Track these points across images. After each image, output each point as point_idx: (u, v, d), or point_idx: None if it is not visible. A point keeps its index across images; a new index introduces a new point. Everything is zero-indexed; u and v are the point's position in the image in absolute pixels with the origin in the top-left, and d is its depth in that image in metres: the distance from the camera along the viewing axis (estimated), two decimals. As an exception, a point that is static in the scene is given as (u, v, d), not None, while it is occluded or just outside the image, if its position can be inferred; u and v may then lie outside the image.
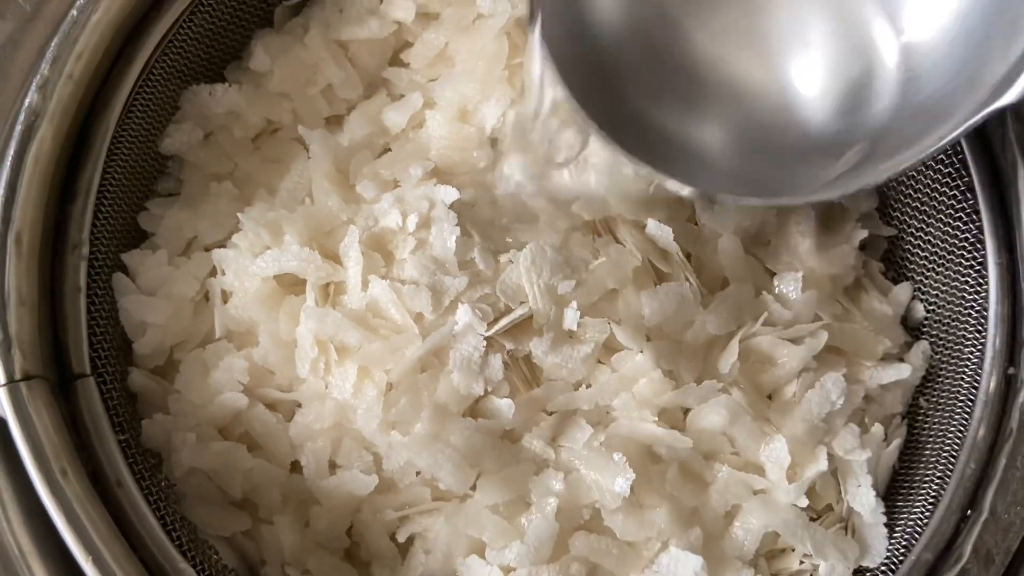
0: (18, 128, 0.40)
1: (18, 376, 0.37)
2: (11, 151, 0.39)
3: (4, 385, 0.37)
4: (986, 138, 0.44)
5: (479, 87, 0.45)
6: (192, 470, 0.42)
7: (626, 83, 0.38)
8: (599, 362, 0.43)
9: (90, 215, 0.42)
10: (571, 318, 0.42)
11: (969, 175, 0.44)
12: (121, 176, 0.45)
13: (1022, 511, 0.39)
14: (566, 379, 0.43)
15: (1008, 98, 0.32)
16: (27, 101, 0.40)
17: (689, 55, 0.39)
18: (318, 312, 0.41)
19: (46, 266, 0.41)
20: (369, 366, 0.41)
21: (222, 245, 0.45)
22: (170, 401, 0.43)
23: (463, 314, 0.41)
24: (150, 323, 0.44)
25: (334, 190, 0.44)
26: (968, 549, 0.39)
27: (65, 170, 0.42)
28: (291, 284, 0.43)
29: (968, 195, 0.45)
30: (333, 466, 0.43)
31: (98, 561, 0.36)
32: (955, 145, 0.45)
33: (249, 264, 0.43)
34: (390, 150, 0.47)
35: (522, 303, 0.42)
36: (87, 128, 0.43)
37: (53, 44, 0.41)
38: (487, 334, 0.41)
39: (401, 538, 0.43)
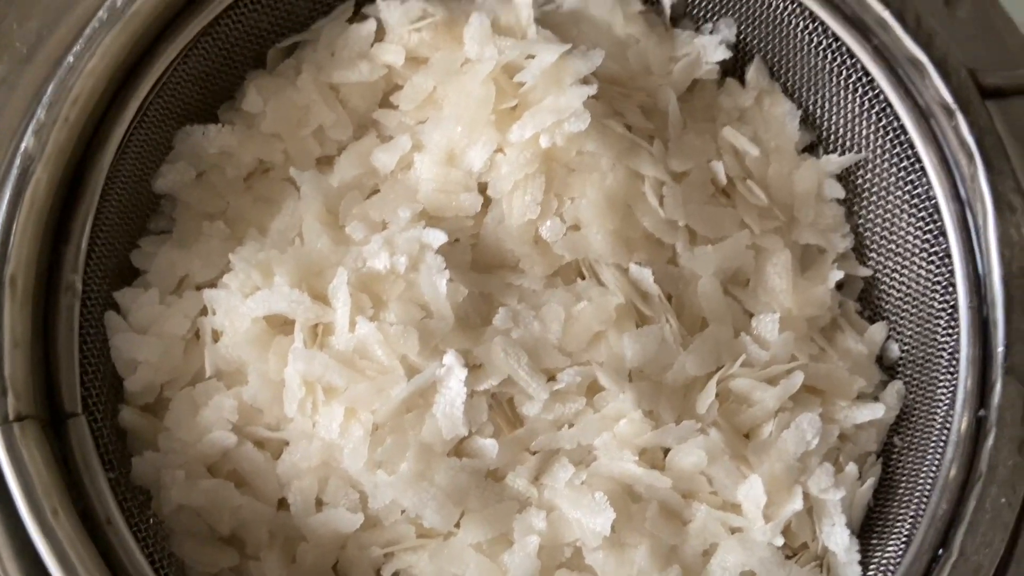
0: (14, 172, 0.40)
1: (11, 417, 0.38)
2: (6, 195, 0.40)
3: (-3, 426, 0.38)
4: (957, 184, 0.45)
5: (466, 131, 0.46)
6: (181, 507, 0.43)
7: None
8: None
9: (83, 255, 0.43)
10: (564, 380, 0.43)
11: (941, 219, 0.46)
12: (115, 215, 0.45)
13: (990, 553, 0.40)
14: (550, 421, 0.44)
15: None
16: (23, 145, 0.41)
17: None
18: (306, 353, 0.42)
19: (39, 306, 0.41)
20: (355, 407, 0.42)
21: (213, 284, 0.46)
22: (160, 439, 0.44)
23: (449, 358, 0.42)
24: (141, 361, 0.44)
25: (324, 231, 0.45)
26: (939, 589, 0.40)
27: (59, 211, 0.43)
28: (280, 324, 0.44)
29: (940, 239, 0.46)
30: (319, 503, 0.44)
31: (88, 600, 0.37)
32: (927, 189, 0.46)
33: (239, 305, 0.44)
34: (379, 191, 0.48)
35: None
36: (82, 169, 0.43)
37: (49, 89, 0.42)
38: (476, 389, 0.42)
39: (386, 575, 0.43)
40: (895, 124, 0.47)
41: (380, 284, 0.43)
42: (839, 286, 0.50)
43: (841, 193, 0.51)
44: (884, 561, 0.43)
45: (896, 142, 0.48)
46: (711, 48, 0.51)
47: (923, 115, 0.46)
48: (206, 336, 0.45)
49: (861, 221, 0.51)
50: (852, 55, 0.48)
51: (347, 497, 0.43)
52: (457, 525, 0.43)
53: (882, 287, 0.51)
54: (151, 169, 0.48)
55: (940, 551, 0.41)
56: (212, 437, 0.43)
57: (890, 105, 0.47)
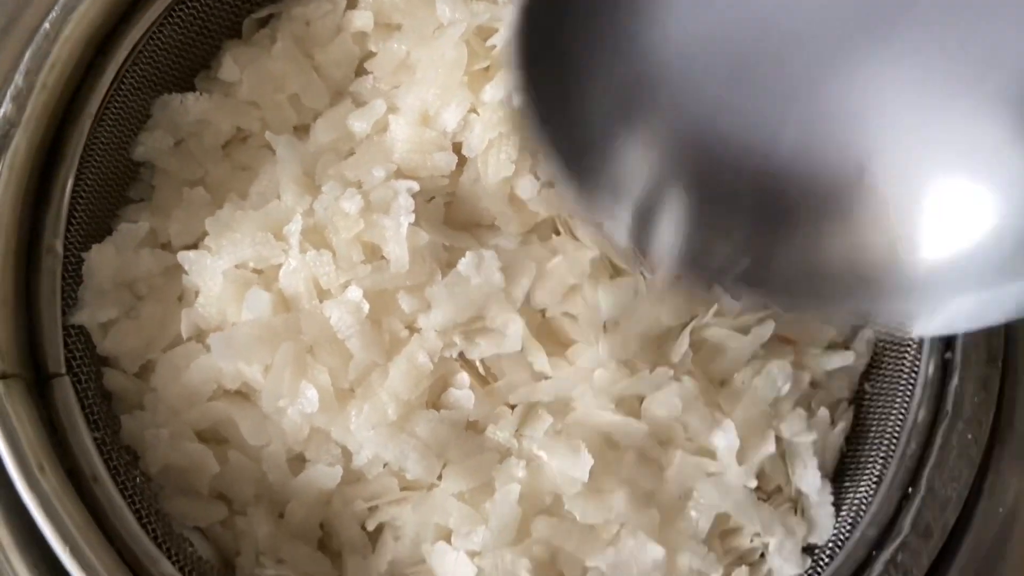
0: (-7, 138, 0.41)
1: (-4, 376, 0.39)
2: (-14, 160, 0.41)
3: (-18, 383, 0.39)
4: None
5: (440, 93, 0.47)
6: (167, 466, 0.44)
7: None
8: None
9: (64, 221, 0.44)
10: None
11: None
12: (94, 183, 0.46)
13: (958, 487, 0.42)
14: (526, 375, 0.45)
15: None
16: (1, 111, 0.41)
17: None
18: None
19: (21, 269, 0.42)
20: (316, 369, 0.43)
21: (194, 247, 0.47)
22: (146, 399, 0.44)
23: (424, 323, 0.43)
24: (120, 323, 0.45)
25: (300, 193, 0.46)
26: (908, 525, 0.41)
27: (39, 177, 0.43)
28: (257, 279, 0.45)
29: (906, 190, 0.47)
30: (302, 458, 0.44)
31: (75, 551, 0.38)
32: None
33: (211, 263, 0.44)
34: (355, 153, 0.48)
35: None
36: (60, 137, 0.44)
37: (26, 56, 0.42)
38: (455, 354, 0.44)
39: (370, 527, 0.44)
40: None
41: (339, 227, 0.44)
42: (810, 241, 0.51)
43: (810, 150, 0.52)
44: (856, 501, 0.45)
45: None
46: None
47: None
48: (188, 297, 0.46)
49: (830, 177, 0.52)
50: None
51: (329, 453, 0.44)
52: (439, 477, 0.44)
53: (852, 241, 0.52)
54: (129, 137, 0.48)
55: (909, 489, 0.43)
56: (196, 398, 0.44)
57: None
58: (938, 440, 0.42)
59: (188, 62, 0.50)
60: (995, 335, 0.43)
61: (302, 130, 0.51)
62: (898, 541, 0.41)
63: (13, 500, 0.39)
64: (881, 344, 0.49)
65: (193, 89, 0.50)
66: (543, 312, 0.45)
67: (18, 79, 0.42)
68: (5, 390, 0.39)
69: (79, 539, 0.38)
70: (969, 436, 0.42)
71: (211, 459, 0.44)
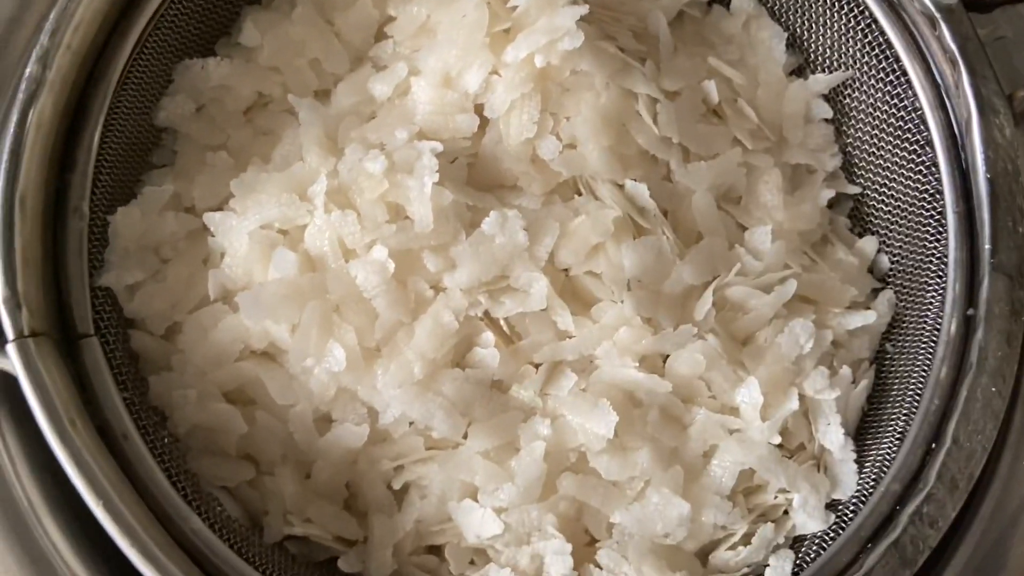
0: (20, 96, 0.41)
1: (26, 332, 0.39)
2: (14, 118, 0.41)
3: (14, 340, 0.39)
4: (942, 94, 0.46)
5: (461, 54, 0.47)
6: (195, 426, 0.44)
7: None
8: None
9: (89, 183, 0.44)
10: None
11: (927, 130, 0.47)
12: (118, 146, 0.46)
13: (983, 439, 0.42)
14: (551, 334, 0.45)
15: None
16: (28, 71, 0.42)
17: None
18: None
19: (49, 230, 0.42)
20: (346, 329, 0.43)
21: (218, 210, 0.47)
22: (174, 360, 0.45)
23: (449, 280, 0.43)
24: (146, 286, 0.45)
25: (324, 155, 0.46)
26: (933, 476, 0.41)
27: (64, 140, 0.44)
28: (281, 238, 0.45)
29: (927, 149, 0.47)
30: (328, 419, 0.45)
31: (109, 506, 0.38)
32: (913, 101, 0.47)
33: (237, 223, 0.44)
34: (377, 117, 0.48)
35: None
36: (84, 100, 0.44)
37: (52, 17, 0.42)
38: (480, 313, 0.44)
39: (396, 486, 0.45)
40: (881, 40, 0.48)
41: (363, 188, 0.44)
42: (830, 205, 0.51)
43: (829, 113, 0.52)
44: (880, 457, 0.45)
45: (882, 57, 0.49)
46: (699, -27, 0.52)
47: (908, 28, 0.47)
48: (213, 259, 0.46)
49: (850, 140, 0.52)
50: (837, -27, 0.49)
51: (355, 412, 0.44)
52: (464, 437, 0.44)
53: (871, 203, 0.52)
54: (152, 102, 0.48)
55: (933, 444, 0.43)
56: (224, 360, 0.44)
57: (875, 21, 0.48)
58: (963, 393, 0.42)
59: (209, 27, 0.50)
60: (1018, 290, 0.43)
61: (323, 95, 0.51)
62: (923, 494, 0.41)
63: (44, 460, 0.39)
64: (902, 305, 0.49)
65: (214, 54, 0.50)
66: (567, 271, 0.46)
67: (43, 39, 0.42)
68: (36, 348, 0.39)
69: (112, 493, 0.38)
70: (993, 389, 0.42)
71: (238, 419, 0.44)
